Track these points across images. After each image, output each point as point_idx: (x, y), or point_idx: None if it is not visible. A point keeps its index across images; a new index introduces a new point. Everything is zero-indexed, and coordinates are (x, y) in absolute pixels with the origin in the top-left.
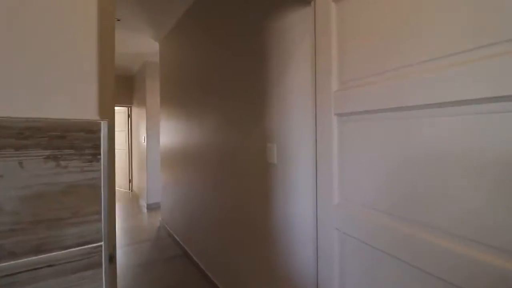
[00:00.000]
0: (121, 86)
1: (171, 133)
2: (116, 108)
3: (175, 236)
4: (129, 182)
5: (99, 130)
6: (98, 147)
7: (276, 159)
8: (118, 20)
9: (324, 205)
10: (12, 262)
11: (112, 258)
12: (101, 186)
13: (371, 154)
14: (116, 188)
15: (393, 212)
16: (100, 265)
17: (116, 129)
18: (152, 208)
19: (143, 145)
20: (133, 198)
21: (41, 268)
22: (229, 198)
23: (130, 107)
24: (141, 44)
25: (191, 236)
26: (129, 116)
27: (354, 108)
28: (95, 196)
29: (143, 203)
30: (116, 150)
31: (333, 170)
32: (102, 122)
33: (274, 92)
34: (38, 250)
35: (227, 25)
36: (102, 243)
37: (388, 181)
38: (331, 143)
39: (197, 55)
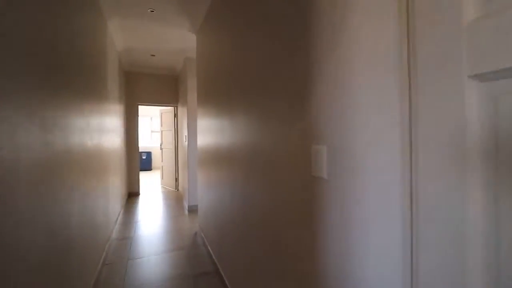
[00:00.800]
0: (167, 86)
1: (206, 132)
2: (163, 107)
3: (209, 248)
4: (176, 181)
5: None
6: None
7: (327, 170)
8: (152, 11)
9: None
10: None
11: None
12: None
13: None
14: (164, 186)
15: None
16: None
17: (164, 128)
18: (193, 210)
19: (185, 145)
20: (178, 198)
21: None
22: (260, 220)
23: (176, 106)
24: (180, 39)
25: (222, 253)
26: (175, 115)
27: None
28: None
29: (186, 204)
30: (164, 150)
31: (466, 212)
32: None
33: (324, 67)
34: None
35: None
36: None
37: None
38: (457, 146)
39: (230, 42)
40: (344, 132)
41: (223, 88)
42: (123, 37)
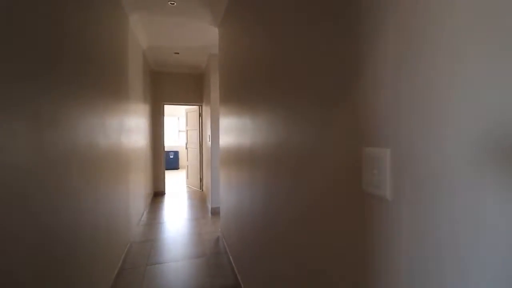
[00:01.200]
0: (192, 85)
1: (227, 132)
2: (188, 107)
3: (230, 257)
4: (200, 181)
5: None
6: None
7: (391, 187)
8: (173, 3)
9: None
10: None
11: None
12: None
13: None
14: (189, 186)
15: None
16: None
17: (189, 127)
18: (216, 212)
19: (208, 144)
20: (202, 198)
21: None
22: (288, 241)
23: (201, 105)
24: (203, 35)
25: (244, 266)
26: (200, 114)
27: None
28: None
29: (209, 206)
30: (189, 149)
31: None
32: None
33: (386, 26)
34: None
35: None
36: None
37: None
38: None
39: (255, 31)
40: (427, 129)
41: (245, 84)
42: (146, 34)
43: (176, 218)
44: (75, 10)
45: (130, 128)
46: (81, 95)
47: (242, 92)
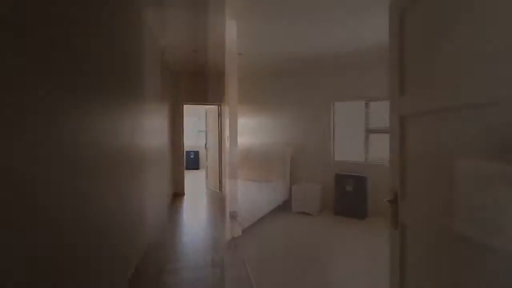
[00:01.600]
0: (211, 84)
1: (245, 133)
2: (208, 107)
3: (248, 270)
4: (219, 183)
5: None
6: None
7: None
8: None
9: None
10: None
11: None
12: None
13: None
14: (208, 187)
15: None
16: None
17: (208, 128)
18: (234, 216)
19: (227, 145)
20: (221, 200)
21: None
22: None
23: (220, 105)
24: (222, 32)
25: (262, 277)
26: (219, 114)
27: None
28: None
29: (227, 209)
30: (209, 149)
31: None
32: None
33: None
34: None
35: None
36: None
37: None
38: None
39: (280, 22)
40: None
41: (265, 83)
42: (164, 32)
43: (194, 221)
44: (84, 5)
45: (146, 129)
46: (90, 95)
47: (261, 91)
